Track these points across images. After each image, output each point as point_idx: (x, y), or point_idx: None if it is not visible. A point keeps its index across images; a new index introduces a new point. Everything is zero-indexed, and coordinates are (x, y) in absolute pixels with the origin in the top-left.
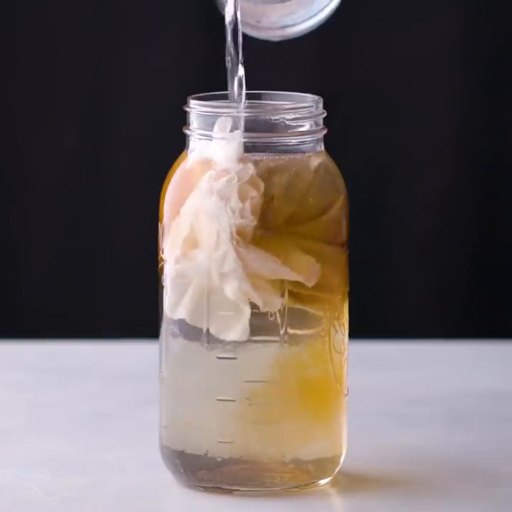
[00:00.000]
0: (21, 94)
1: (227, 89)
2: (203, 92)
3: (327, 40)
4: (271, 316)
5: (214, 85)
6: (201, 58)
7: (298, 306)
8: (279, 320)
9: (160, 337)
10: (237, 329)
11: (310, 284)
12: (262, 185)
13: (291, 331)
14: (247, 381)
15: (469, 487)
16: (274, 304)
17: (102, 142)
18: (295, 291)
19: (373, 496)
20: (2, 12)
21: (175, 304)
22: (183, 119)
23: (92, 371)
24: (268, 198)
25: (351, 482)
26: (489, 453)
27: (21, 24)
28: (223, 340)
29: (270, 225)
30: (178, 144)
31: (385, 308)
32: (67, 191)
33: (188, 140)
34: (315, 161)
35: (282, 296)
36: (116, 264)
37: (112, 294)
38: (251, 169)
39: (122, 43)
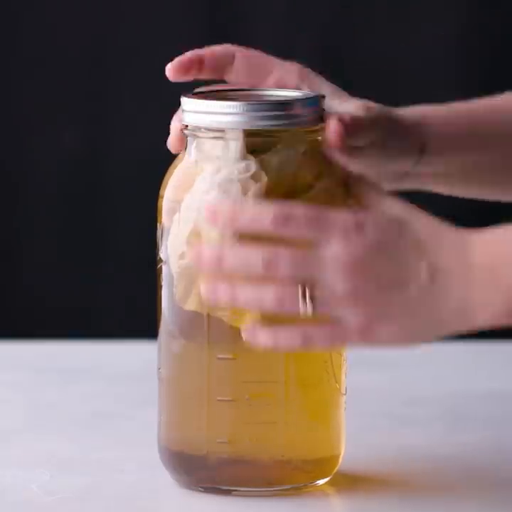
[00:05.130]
0: (22, 95)
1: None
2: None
3: (327, 41)
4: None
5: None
6: None
7: None
8: None
9: (158, 337)
10: (251, 316)
11: None
12: (264, 179)
13: None
14: (247, 381)
15: (469, 487)
16: None
17: (102, 142)
18: None
19: (372, 495)
20: (3, 12)
21: (185, 296)
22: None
23: (92, 371)
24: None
25: (350, 482)
26: (489, 453)
27: (22, 24)
28: (223, 340)
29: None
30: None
31: None
32: (68, 191)
33: (187, 140)
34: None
35: None
36: (116, 264)
37: (112, 294)
38: (252, 165)
39: (122, 42)
